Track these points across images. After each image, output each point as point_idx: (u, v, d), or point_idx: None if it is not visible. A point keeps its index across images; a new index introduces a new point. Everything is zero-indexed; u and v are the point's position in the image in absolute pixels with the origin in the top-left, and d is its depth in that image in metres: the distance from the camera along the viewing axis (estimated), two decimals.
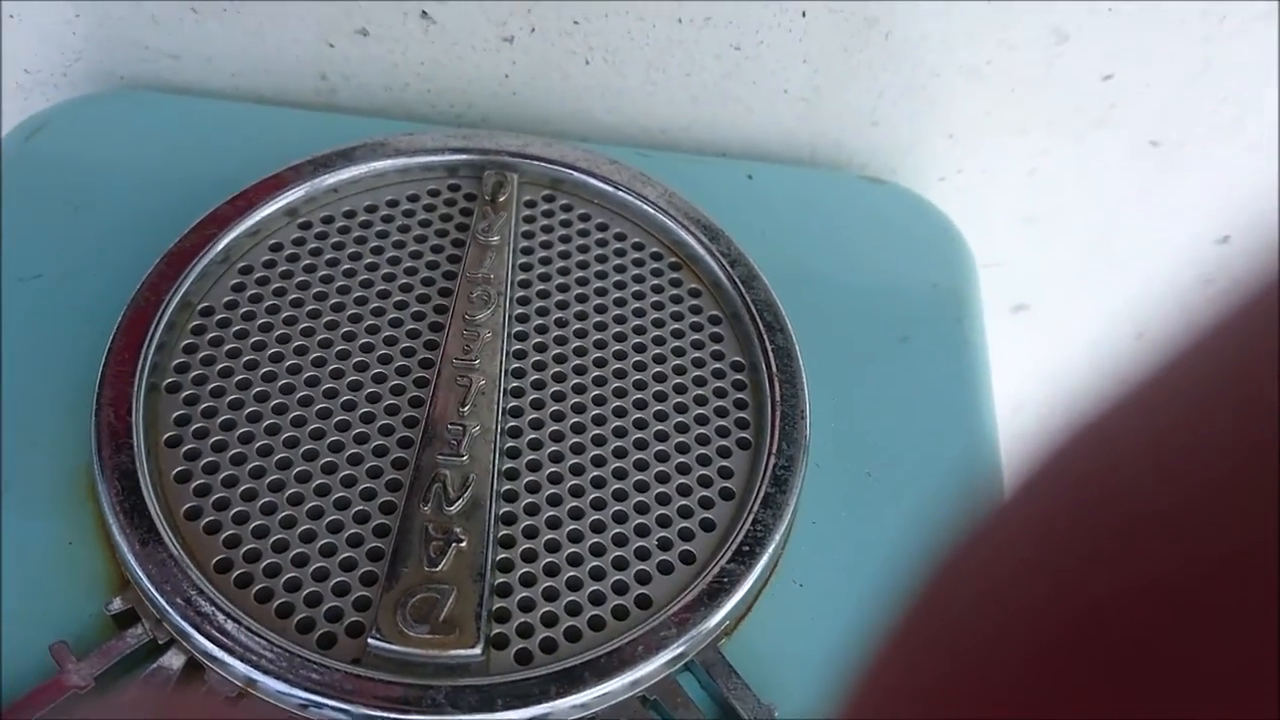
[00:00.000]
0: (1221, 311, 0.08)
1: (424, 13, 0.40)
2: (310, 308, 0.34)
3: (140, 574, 0.27)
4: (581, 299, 0.36)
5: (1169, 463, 0.08)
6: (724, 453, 0.33)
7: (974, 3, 0.38)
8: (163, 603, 0.27)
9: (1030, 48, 0.40)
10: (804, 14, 0.39)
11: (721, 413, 0.34)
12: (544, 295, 0.36)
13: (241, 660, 0.26)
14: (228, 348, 0.33)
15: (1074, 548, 0.08)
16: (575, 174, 0.39)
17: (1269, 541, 0.07)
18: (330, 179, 0.37)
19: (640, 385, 0.34)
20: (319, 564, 0.29)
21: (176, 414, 0.31)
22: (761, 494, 0.31)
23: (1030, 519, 0.09)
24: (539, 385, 0.34)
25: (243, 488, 0.30)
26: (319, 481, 0.31)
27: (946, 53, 0.40)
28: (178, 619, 0.27)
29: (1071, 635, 0.08)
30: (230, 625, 0.27)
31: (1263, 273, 0.08)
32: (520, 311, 0.35)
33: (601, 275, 0.37)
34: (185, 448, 0.31)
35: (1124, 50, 0.40)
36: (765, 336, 0.35)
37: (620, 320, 0.35)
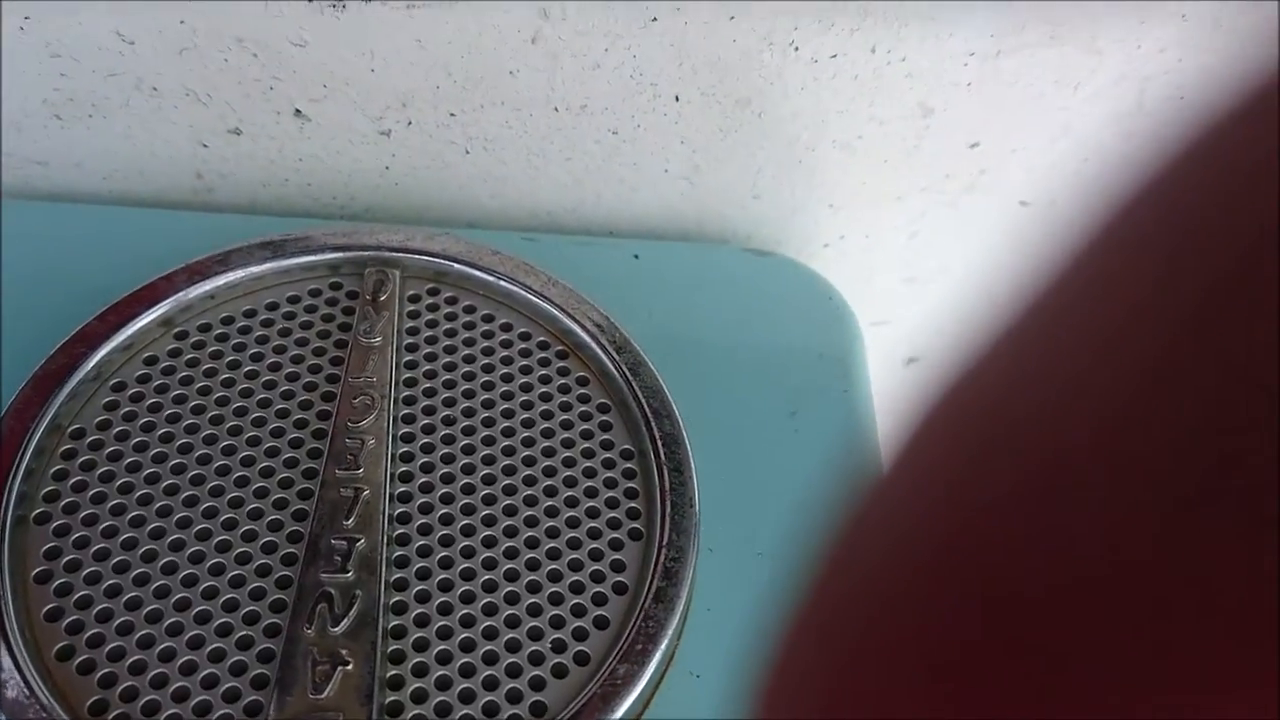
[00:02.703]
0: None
1: (298, 111, 0.39)
2: (188, 423, 0.34)
3: None
4: (468, 394, 0.36)
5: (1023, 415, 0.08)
6: (616, 545, 0.33)
7: (840, 82, 0.39)
8: None
9: (898, 122, 0.41)
10: (677, 98, 0.39)
11: (612, 504, 0.34)
12: (430, 394, 0.36)
13: None
14: (100, 471, 0.32)
15: (950, 511, 0.09)
16: (458, 266, 0.39)
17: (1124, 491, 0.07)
18: (207, 285, 0.37)
19: (530, 481, 0.34)
20: (201, 697, 0.28)
21: (46, 547, 0.30)
22: (653, 589, 0.31)
23: (906, 491, 0.09)
24: (426, 488, 0.33)
25: (118, 621, 0.29)
26: (200, 608, 0.30)
27: (819, 128, 0.41)
28: None
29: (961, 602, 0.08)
30: None
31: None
32: (406, 413, 0.35)
33: (488, 368, 0.37)
34: (56, 583, 0.30)
35: (987, 121, 0.41)
36: (653, 424, 0.35)
37: (508, 414, 0.35)
